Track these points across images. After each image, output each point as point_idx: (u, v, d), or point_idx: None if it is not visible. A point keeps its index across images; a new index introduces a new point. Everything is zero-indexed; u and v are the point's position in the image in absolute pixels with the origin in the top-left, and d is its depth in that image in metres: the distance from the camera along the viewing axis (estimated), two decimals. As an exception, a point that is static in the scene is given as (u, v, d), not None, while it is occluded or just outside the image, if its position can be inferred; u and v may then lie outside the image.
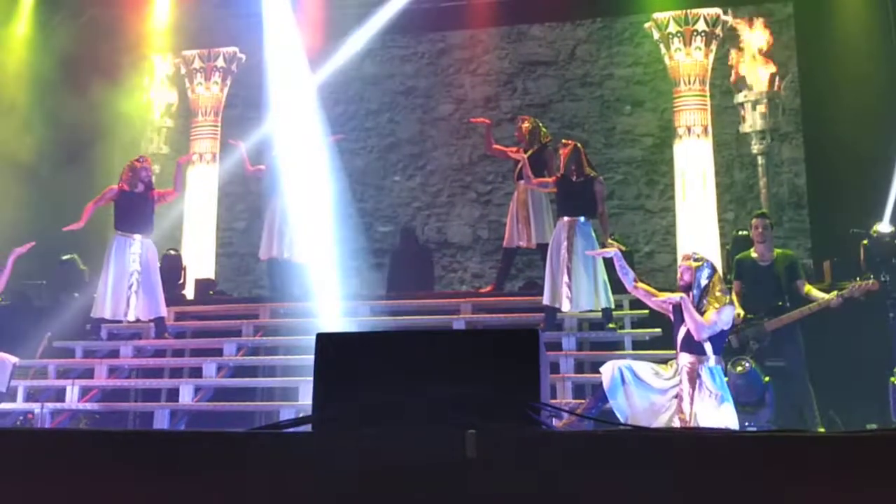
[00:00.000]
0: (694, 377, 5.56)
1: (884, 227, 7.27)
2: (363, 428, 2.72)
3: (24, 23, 10.46)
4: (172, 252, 9.71)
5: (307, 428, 3.01)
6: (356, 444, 2.62)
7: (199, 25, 10.97)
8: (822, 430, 6.28)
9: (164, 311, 8.12)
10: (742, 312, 6.57)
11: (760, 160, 9.92)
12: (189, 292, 9.66)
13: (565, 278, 7.27)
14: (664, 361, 5.90)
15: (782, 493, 2.31)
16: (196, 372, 7.90)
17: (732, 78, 9.96)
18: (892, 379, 6.18)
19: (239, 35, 11.05)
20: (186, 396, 7.55)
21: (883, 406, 6.21)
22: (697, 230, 9.54)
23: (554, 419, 3.31)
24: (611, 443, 2.58)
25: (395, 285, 9.58)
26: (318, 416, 2.92)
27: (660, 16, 10.00)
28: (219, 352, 8.04)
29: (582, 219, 7.39)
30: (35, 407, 7.51)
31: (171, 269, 9.28)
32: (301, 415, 5.70)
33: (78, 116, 10.10)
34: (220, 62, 11.18)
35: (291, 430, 2.99)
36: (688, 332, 5.65)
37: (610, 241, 7.47)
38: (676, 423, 5.46)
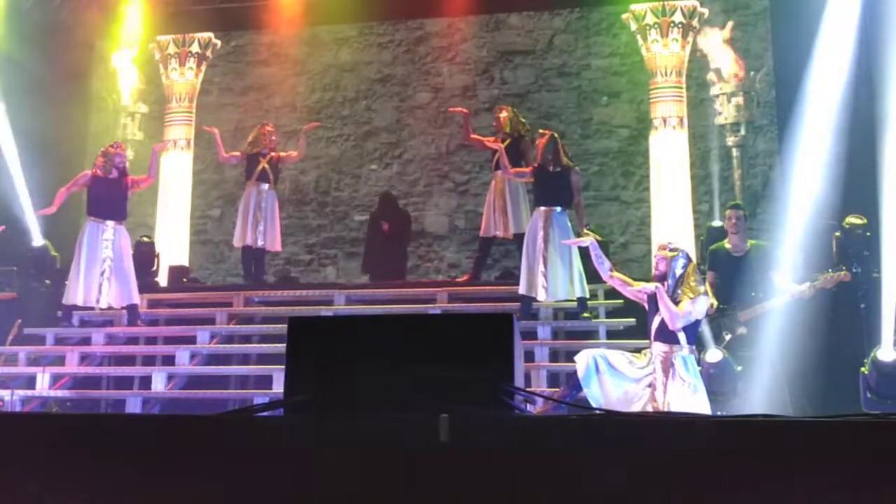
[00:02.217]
0: (667, 366, 5.60)
1: (856, 219, 7.33)
2: (335, 412, 2.71)
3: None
4: (146, 239, 9.63)
5: (279, 412, 2.99)
6: (328, 428, 2.61)
7: (173, 10, 10.86)
8: (793, 419, 6.33)
9: (136, 298, 8.06)
10: (715, 302, 6.61)
11: (735, 152, 9.96)
12: (162, 279, 9.58)
13: (541, 268, 7.28)
14: (638, 350, 5.93)
15: (752, 477, 2.33)
16: (169, 360, 7.84)
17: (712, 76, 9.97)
18: (863, 369, 6.25)
19: (214, 21, 10.95)
20: (159, 384, 7.50)
21: (854, 396, 6.27)
22: (672, 221, 9.57)
23: (530, 406, 3.31)
24: (584, 427, 2.59)
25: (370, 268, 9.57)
26: (290, 401, 2.90)
27: (637, 7, 10.00)
28: (192, 339, 7.99)
29: (558, 209, 7.41)
30: (5, 394, 7.42)
31: (145, 256, 9.20)
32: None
33: (50, 101, 9.98)
34: (195, 48, 11.07)
35: (263, 414, 2.97)
36: (662, 321, 5.68)
37: (586, 231, 7.49)
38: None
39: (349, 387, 2.78)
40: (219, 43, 11.26)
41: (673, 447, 2.41)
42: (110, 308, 8.05)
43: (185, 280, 9.63)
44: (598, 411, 4.50)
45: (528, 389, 5.68)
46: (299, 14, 10.87)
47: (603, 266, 6.07)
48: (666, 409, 5.47)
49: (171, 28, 10.99)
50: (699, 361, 5.90)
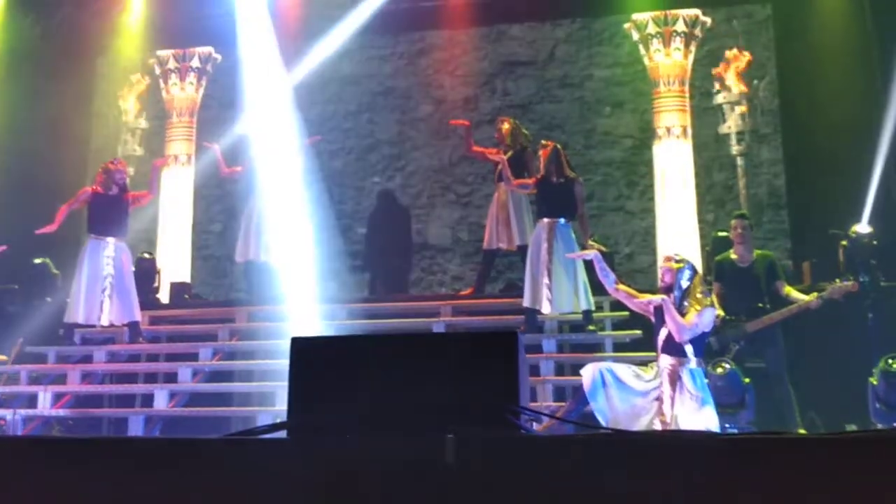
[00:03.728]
0: (675, 379, 5.54)
1: (862, 228, 7.28)
2: (340, 434, 2.66)
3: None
4: (147, 255, 9.61)
5: (283, 434, 2.94)
6: (333, 450, 2.57)
7: (173, 25, 10.86)
8: (802, 431, 6.28)
9: (138, 315, 8.02)
10: (722, 314, 6.56)
11: (739, 161, 9.93)
12: (164, 296, 9.54)
13: (545, 280, 7.24)
14: (645, 363, 5.88)
15: (762, 495, 2.28)
16: (171, 377, 7.81)
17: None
18: (872, 380, 6.18)
19: (214, 35, 10.95)
20: (161, 402, 7.45)
21: (862, 407, 6.21)
22: (677, 231, 9.53)
23: (534, 423, 3.26)
24: (591, 447, 2.54)
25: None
26: (293, 423, 2.86)
27: (639, 17, 10.00)
28: (194, 356, 7.95)
29: (562, 220, 7.37)
30: (7, 413, 7.38)
31: (146, 272, 9.17)
32: (278, 420, 5.63)
33: (51, 117, 9.98)
34: (196, 62, 11.07)
35: (267, 436, 2.93)
36: (669, 333, 5.62)
37: (590, 242, 7.45)
38: (657, 426, 5.43)
39: (353, 407, 2.73)
40: (219, 57, 11.26)
41: (680, 466, 2.37)
42: (112, 325, 8.02)
43: (186, 296, 9.59)
44: (604, 430, 4.44)
45: (533, 405, 5.63)
46: (300, 27, 10.87)
47: (608, 279, 6.01)
48: (674, 423, 5.41)
49: (172, 43, 10.99)
50: (707, 374, 5.83)
